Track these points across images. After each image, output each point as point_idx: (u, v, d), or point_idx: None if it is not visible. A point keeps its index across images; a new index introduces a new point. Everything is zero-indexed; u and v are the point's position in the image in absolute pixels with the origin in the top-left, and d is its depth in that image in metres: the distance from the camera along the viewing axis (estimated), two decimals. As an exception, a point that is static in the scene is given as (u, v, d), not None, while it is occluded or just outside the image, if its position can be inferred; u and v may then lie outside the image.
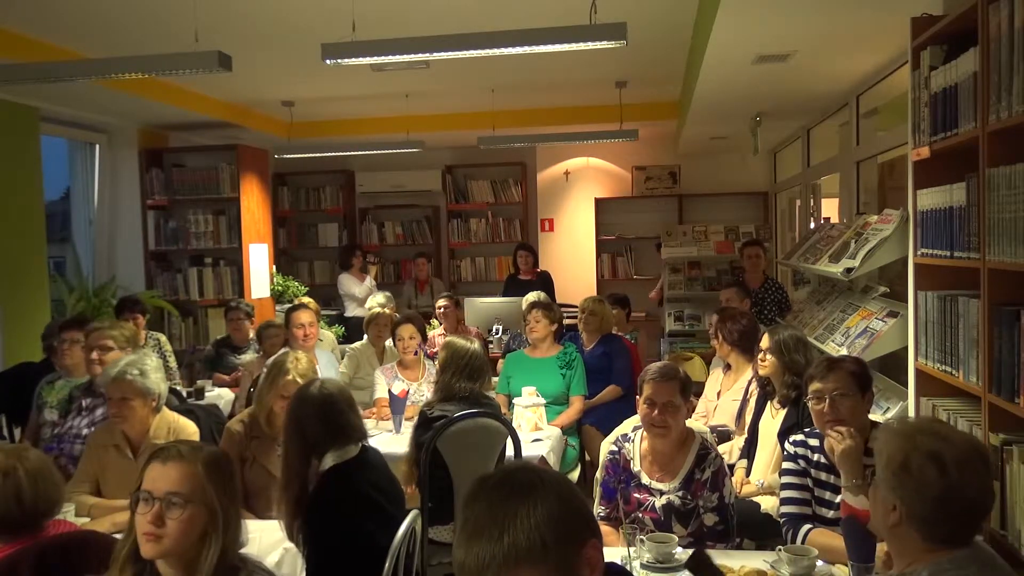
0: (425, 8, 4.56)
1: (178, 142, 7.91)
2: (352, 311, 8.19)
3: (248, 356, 5.79)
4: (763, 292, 6.20)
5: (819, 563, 2.44)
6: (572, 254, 9.48)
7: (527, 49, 3.83)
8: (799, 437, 2.85)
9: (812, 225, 6.91)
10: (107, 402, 3.29)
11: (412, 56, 4.05)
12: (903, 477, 1.77)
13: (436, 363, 4.01)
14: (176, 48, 4.05)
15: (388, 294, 6.80)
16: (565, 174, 9.56)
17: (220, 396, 5.33)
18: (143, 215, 7.48)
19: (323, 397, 2.75)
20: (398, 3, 4.47)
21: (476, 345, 3.92)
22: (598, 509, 2.96)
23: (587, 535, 1.32)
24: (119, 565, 1.90)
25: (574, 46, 3.75)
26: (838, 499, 2.62)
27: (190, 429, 3.37)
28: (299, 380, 3.32)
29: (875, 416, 2.90)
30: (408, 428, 4.08)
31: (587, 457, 5.01)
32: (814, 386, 2.70)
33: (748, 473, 3.70)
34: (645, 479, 2.87)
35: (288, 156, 7.98)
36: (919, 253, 3.10)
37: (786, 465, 2.82)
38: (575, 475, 4.75)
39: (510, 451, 3.74)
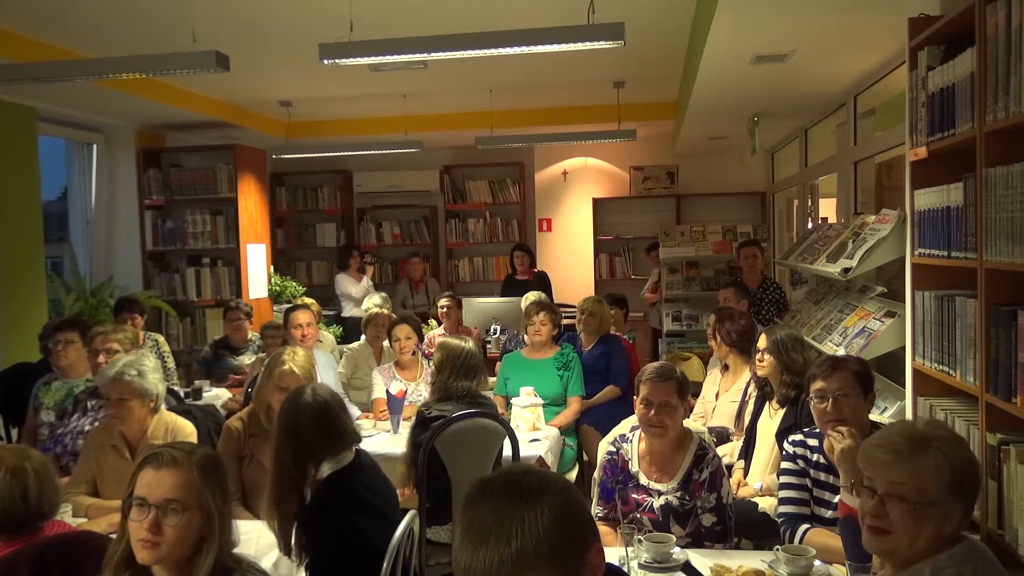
0: (423, 8, 4.56)
1: (176, 142, 7.91)
2: (349, 311, 8.19)
3: (247, 357, 5.78)
4: (761, 292, 6.21)
5: (817, 563, 2.43)
6: (570, 254, 9.49)
7: (525, 49, 3.83)
8: (798, 437, 2.85)
9: (810, 225, 6.92)
10: (104, 402, 3.29)
11: (410, 56, 4.05)
12: (961, 481, 1.79)
13: (431, 363, 4.00)
14: (174, 48, 4.05)
15: (384, 295, 6.80)
16: (563, 174, 9.56)
17: (217, 396, 5.33)
18: (140, 215, 7.48)
19: (318, 404, 2.70)
20: (396, 3, 4.47)
21: (470, 344, 3.93)
22: (596, 509, 2.96)
23: (591, 539, 1.32)
24: (112, 569, 1.89)
25: (572, 46, 3.76)
26: (836, 499, 2.62)
27: (188, 429, 3.38)
28: (296, 371, 3.33)
29: (873, 416, 2.90)
30: (406, 428, 4.08)
31: (585, 457, 5.01)
32: (816, 385, 2.70)
33: (746, 474, 3.70)
34: (643, 480, 2.87)
35: (286, 156, 7.99)
36: (916, 253, 3.10)
37: (785, 465, 2.83)
38: (573, 475, 4.75)
39: (507, 451, 3.74)
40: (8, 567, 2.11)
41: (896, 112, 4.26)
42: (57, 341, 4.35)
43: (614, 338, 5.45)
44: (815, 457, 2.76)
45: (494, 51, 3.87)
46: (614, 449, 2.98)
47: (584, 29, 3.67)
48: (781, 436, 3.33)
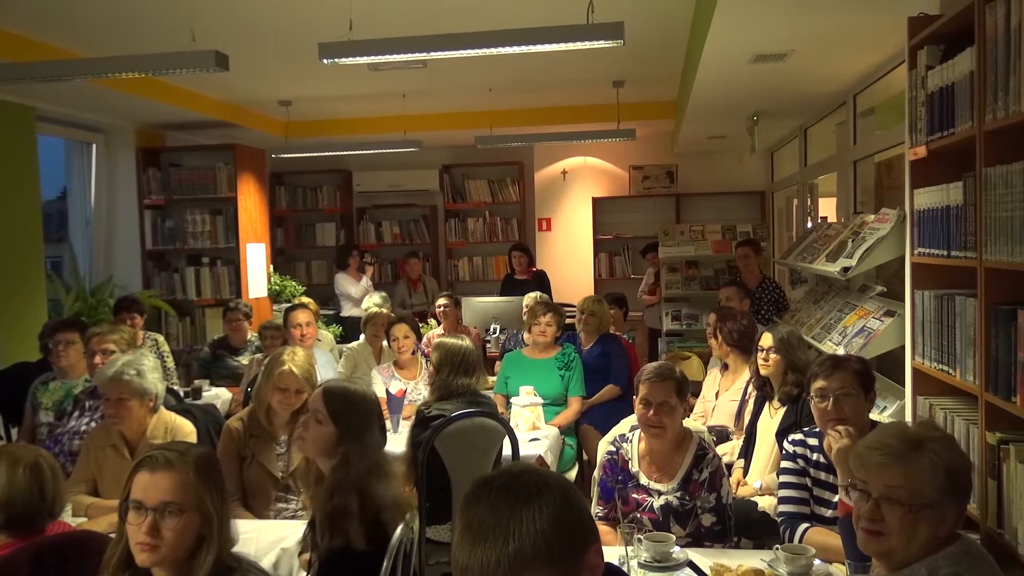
0: (422, 7, 4.56)
1: (175, 142, 7.91)
2: (349, 311, 8.19)
3: (246, 358, 5.78)
4: (760, 292, 6.20)
5: (817, 562, 2.43)
6: (569, 253, 9.49)
7: (524, 49, 3.83)
8: (798, 436, 2.85)
9: (809, 224, 6.92)
10: (104, 402, 3.29)
11: (409, 55, 4.05)
12: (958, 481, 1.79)
13: (430, 363, 3.99)
14: (173, 47, 4.05)
15: (384, 294, 6.80)
16: (562, 173, 9.56)
17: (217, 396, 5.33)
18: (140, 215, 7.48)
19: (374, 399, 2.68)
20: (395, 2, 4.46)
21: (467, 342, 3.94)
22: (596, 509, 2.96)
23: (590, 539, 1.32)
24: (111, 571, 1.89)
25: (571, 45, 3.76)
26: (836, 498, 2.62)
27: (187, 429, 3.37)
28: (295, 371, 3.31)
29: (873, 415, 2.90)
30: (405, 427, 4.08)
31: (585, 456, 5.01)
32: (818, 384, 2.70)
33: (745, 473, 3.70)
34: (644, 480, 2.87)
35: (285, 156, 7.98)
36: (916, 252, 3.10)
37: (784, 464, 2.83)
38: (573, 474, 4.75)
39: (507, 451, 3.74)
40: (8, 566, 2.12)
41: (895, 111, 4.27)
42: (57, 341, 4.35)
43: (613, 338, 5.45)
44: (815, 456, 2.77)
45: (493, 50, 3.87)
46: (614, 449, 2.98)
47: (583, 28, 3.67)
48: (781, 435, 3.33)
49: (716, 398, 4.49)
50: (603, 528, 2.81)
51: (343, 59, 3.93)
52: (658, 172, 9.37)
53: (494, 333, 6.57)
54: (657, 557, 2.51)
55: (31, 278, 5.88)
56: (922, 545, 1.77)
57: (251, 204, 7.72)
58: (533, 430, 4.34)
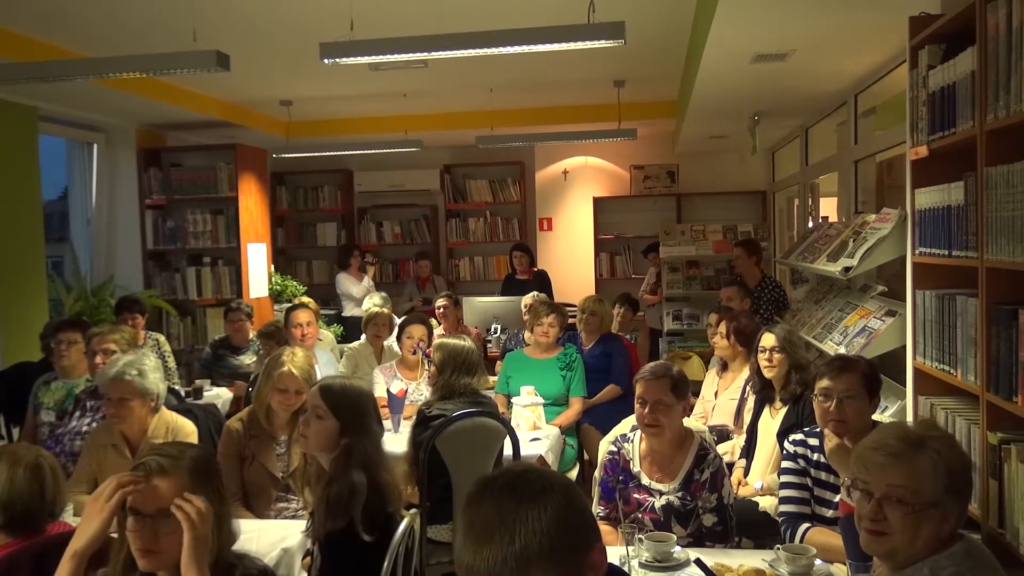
0: (423, 7, 4.55)
1: (176, 142, 7.91)
2: (350, 311, 8.19)
3: (247, 357, 5.78)
4: (759, 291, 6.20)
5: (817, 562, 2.43)
6: (570, 253, 9.48)
7: (525, 48, 3.83)
8: (799, 436, 2.85)
9: (810, 224, 6.91)
10: (105, 402, 3.29)
11: (410, 55, 4.05)
12: (959, 480, 1.79)
13: (431, 365, 3.99)
14: (174, 47, 4.04)
15: (384, 294, 6.79)
16: (563, 173, 9.56)
17: (218, 396, 5.33)
18: (141, 215, 7.48)
19: (369, 392, 2.74)
20: (396, 2, 4.46)
21: (468, 342, 3.94)
22: (597, 509, 2.95)
23: (593, 539, 1.32)
24: (117, 571, 1.89)
25: (572, 45, 3.75)
26: (837, 498, 2.62)
27: (188, 429, 3.37)
28: (294, 372, 3.31)
29: (874, 415, 2.89)
30: (406, 427, 4.08)
31: (586, 456, 5.01)
32: (823, 384, 2.69)
33: (746, 473, 3.70)
34: (645, 480, 2.87)
35: (286, 155, 7.98)
36: (917, 252, 3.10)
37: (785, 464, 2.83)
38: (574, 474, 4.75)
39: (508, 450, 3.74)
40: (10, 565, 2.12)
41: (897, 111, 4.26)
42: (59, 341, 4.36)
43: (614, 337, 5.45)
44: (816, 456, 2.76)
45: (494, 50, 3.87)
46: (615, 448, 2.98)
47: (584, 28, 3.66)
48: (783, 436, 3.33)
49: (715, 397, 4.49)
50: (604, 528, 2.80)
51: (344, 59, 3.93)
52: (659, 172, 9.37)
53: (495, 333, 6.57)
54: (658, 557, 2.52)
55: (32, 278, 5.89)
56: (925, 545, 1.77)
57: (252, 204, 7.72)
58: (534, 430, 4.34)
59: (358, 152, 8.17)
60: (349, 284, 8.31)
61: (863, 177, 5.55)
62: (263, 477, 3.30)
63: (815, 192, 7.14)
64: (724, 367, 4.58)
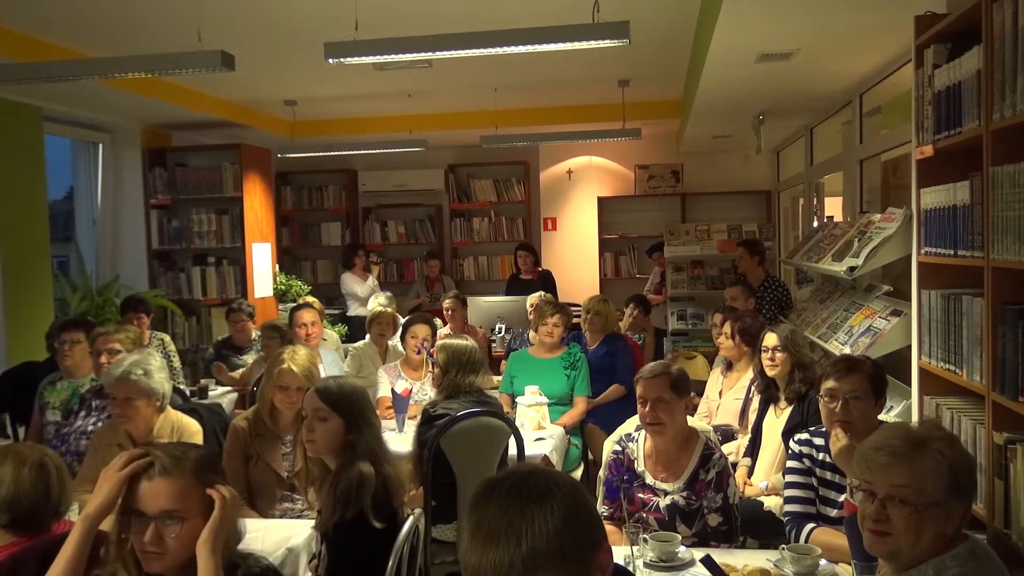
0: (428, 7, 4.56)
1: (181, 141, 7.92)
2: (354, 310, 8.20)
3: (250, 357, 5.78)
4: (762, 291, 6.20)
5: (823, 562, 2.43)
6: (575, 253, 9.47)
7: (530, 48, 3.82)
8: (804, 436, 2.84)
9: (815, 224, 6.90)
10: (110, 402, 3.29)
11: (415, 55, 4.05)
12: (961, 479, 1.78)
13: (435, 366, 3.99)
14: (179, 47, 4.05)
15: (389, 294, 6.79)
16: (568, 173, 9.55)
17: (223, 395, 5.33)
18: (146, 214, 7.49)
19: (362, 387, 2.78)
20: (401, 2, 4.47)
21: (470, 341, 3.95)
22: (601, 508, 2.95)
23: (600, 539, 1.32)
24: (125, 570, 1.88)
25: (577, 45, 3.75)
26: (842, 498, 2.62)
27: (193, 428, 3.38)
28: (294, 369, 3.33)
29: (880, 415, 2.89)
30: (410, 427, 4.08)
31: (590, 456, 5.00)
32: (829, 384, 2.69)
33: (751, 473, 3.70)
34: (649, 479, 2.86)
35: (291, 155, 7.99)
36: (923, 252, 3.09)
37: (791, 464, 2.82)
38: (578, 474, 4.75)
39: (513, 450, 3.74)
40: (14, 564, 2.12)
41: (902, 110, 4.25)
42: (63, 341, 4.36)
43: (619, 337, 5.45)
44: (821, 456, 2.76)
45: (499, 50, 3.86)
46: (620, 448, 2.98)
47: (589, 28, 3.66)
48: (787, 435, 3.32)
49: (720, 397, 4.49)
50: (608, 528, 2.80)
51: (349, 59, 3.93)
52: (663, 171, 9.35)
53: (500, 333, 6.57)
54: (663, 557, 2.51)
55: (38, 277, 5.90)
56: (929, 544, 1.76)
57: (257, 204, 7.73)
58: (538, 430, 4.34)
59: (362, 152, 8.17)
60: (354, 284, 8.32)
61: (868, 177, 5.54)
62: (268, 476, 3.31)
63: (820, 192, 7.12)
64: (729, 367, 4.57)
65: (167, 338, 5.89)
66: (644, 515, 2.83)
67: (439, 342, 4.01)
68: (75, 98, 6.00)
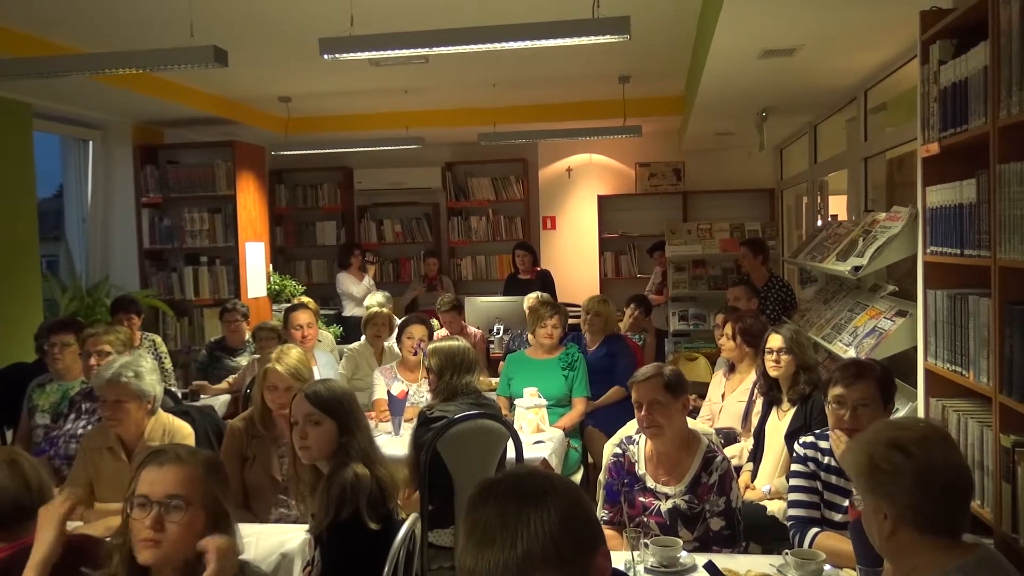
0: (424, 2, 4.51)
1: (173, 139, 7.85)
2: (350, 310, 8.15)
3: (244, 359, 5.72)
4: (765, 291, 6.16)
5: (827, 567, 2.41)
6: (574, 252, 9.43)
7: (529, 44, 3.79)
8: (809, 439, 2.80)
9: (819, 223, 6.86)
10: (100, 404, 3.24)
11: (411, 51, 4.01)
12: (876, 476, 1.79)
13: (429, 371, 3.94)
14: (171, 43, 4.02)
15: (387, 294, 6.74)
16: (567, 171, 9.50)
17: (216, 397, 5.28)
18: (137, 213, 7.42)
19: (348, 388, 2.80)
20: (397, -3, 4.42)
21: (461, 341, 3.92)
22: (601, 512, 2.91)
23: (598, 542, 1.30)
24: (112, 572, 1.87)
25: (577, 40, 3.72)
26: (847, 502, 2.57)
27: (185, 431, 3.34)
28: (279, 368, 3.33)
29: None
30: (406, 430, 4.03)
31: (590, 459, 4.96)
32: (836, 391, 2.64)
33: (754, 477, 3.66)
34: (650, 482, 2.82)
35: (285, 153, 7.94)
36: (928, 251, 3.06)
37: (795, 467, 2.78)
38: (578, 477, 4.71)
39: (511, 453, 3.69)
40: (7, 568, 2.09)
41: (907, 107, 4.20)
42: (52, 344, 4.31)
43: (619, 338, 5.40)
44: (826, 459, 2.71)
45: (497, 45, 3.82)
46: (620, 451, 2.94)
47: (589, 23, 3.62)
48: (791, 437, 3.28)
49: (722, 400, 4.44)
50: (608, 532, 2.76)
51: (344, 55, 3.90)
52: (665, 169, 9.31)
53: (498, 334, 6.51)
54: (664, 562, 2.48)
55: (27, 277, 5.84)
56: (928, 560, 1.76)
57: (250, 202, 7.67)
58: (537, 432, 4.29)
59: (358, 149, 8.13)
60: (349, 283, 8.27)
61: (873, 175, 5.50)
62: (263, 479, 3.31)
63: (824, 190, 7.08)
64: (731, 369, 4.53)
65: (158, 339, 5.84)
66: (645, 519, 2.78)
67: (431, 346, 3.95)
68: (65, 94, 5.94)
